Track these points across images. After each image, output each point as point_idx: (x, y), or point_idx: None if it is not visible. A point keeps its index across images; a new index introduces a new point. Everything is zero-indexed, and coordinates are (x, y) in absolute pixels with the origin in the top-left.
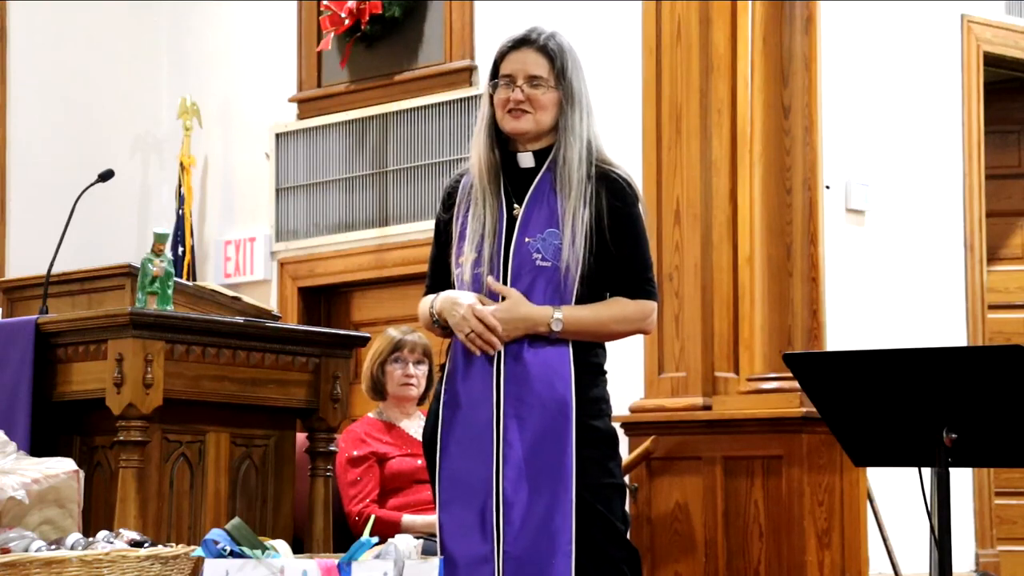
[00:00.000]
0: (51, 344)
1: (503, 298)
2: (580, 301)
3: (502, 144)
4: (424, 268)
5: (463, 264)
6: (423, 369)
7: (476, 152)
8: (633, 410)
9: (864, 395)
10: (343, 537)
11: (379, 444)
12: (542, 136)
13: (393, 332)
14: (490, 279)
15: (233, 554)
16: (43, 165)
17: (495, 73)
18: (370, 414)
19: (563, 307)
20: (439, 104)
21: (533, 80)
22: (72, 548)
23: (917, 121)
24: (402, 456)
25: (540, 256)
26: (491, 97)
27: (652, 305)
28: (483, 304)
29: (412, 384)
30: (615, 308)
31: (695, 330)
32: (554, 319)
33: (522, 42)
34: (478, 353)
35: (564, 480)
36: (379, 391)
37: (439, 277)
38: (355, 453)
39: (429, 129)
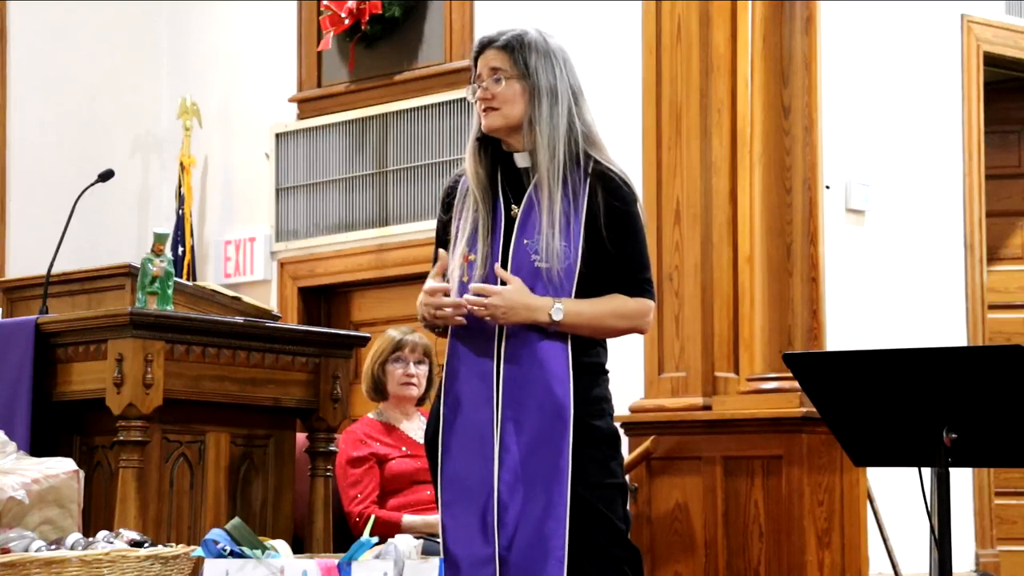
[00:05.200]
0: (51, 344)
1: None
2: None
3: (500, 146)
4: (424, 268)
5: (462, 268)
6: (424, 369)
7: (467, 160)
8: (633, 410)
9: (864, 395)
10: (343, 537)
11: (379, 445)
12: (522, 132)
13: (393, 332)
14: (497, 267)
15: (233, 554)
16: (43, 165)
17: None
18: (370, 415)
19: (563, 299)
20: (439, 104)
21: (494, 74)
22: (72, 548)
23: (917, 121)
24: (401, 457)
25: (538, 258)
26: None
27: (650, 304)
28: (484, 287)
29: (413, 384)
30: (614, 304)
31: (695, 330)
32: (555, 308)
33: (486, 44)
34: (454, 322)
35: (559, 484)
36: (380, 391)
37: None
38: (355, 454)
39: (429, 129)
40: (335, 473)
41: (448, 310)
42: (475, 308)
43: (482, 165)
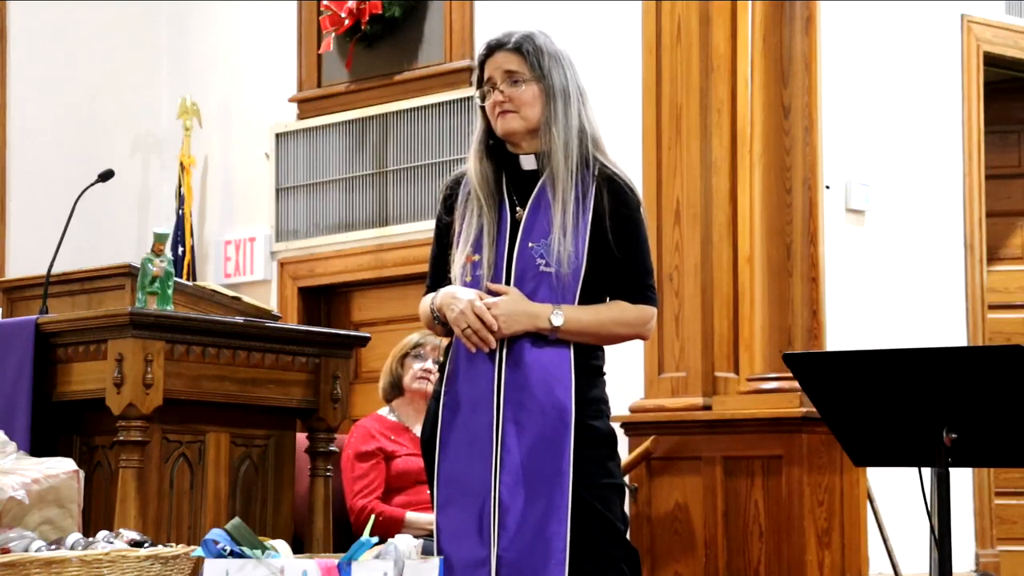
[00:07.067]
0: (51, 344)
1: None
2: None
3: (504, 148)
4: (424, 268)
5: (465, 268)
6: None
7: (471, 163)
8: (633, 410)
9: (864, 395)
10: (343, 537)
11: (387, 442)
12: (537, 135)
13: (415, 334)
14: (490, 284)
15: (233, 554)
16: (43, 165)
17: (480, 82)
18: (381, 411)
19: (564, 306)
20: (439, 104)
21: (510, 77)
22: (72, 548)
23: (917, 121)
24: (407, 455)
25: (544, 262)
26: (483, 108)
27: (652, 311)
28: (483, 300)
29: (429, 379)
30: (616, 311)
31: (695, 330)
32: (555, 314)
33: (495, 47)
34: (473, 350)
35: (561, 487)
36: (396, 386)
37: (439, 278)
38: (363, 448)
39: (429, 129)
40: (341, 466)
41: (474, 337)
42: (480, 343)
43: (488, 168)
